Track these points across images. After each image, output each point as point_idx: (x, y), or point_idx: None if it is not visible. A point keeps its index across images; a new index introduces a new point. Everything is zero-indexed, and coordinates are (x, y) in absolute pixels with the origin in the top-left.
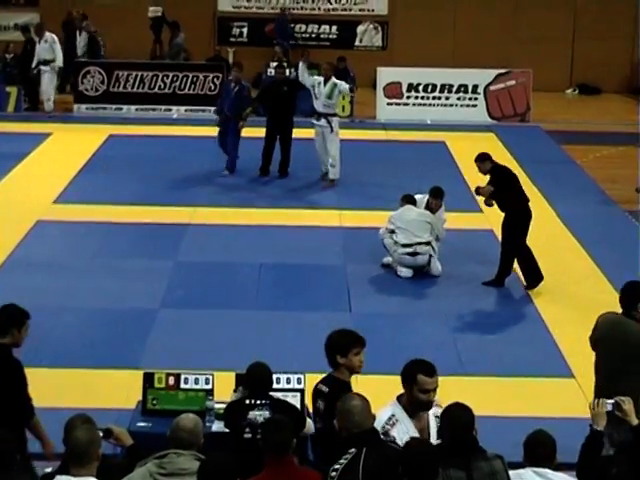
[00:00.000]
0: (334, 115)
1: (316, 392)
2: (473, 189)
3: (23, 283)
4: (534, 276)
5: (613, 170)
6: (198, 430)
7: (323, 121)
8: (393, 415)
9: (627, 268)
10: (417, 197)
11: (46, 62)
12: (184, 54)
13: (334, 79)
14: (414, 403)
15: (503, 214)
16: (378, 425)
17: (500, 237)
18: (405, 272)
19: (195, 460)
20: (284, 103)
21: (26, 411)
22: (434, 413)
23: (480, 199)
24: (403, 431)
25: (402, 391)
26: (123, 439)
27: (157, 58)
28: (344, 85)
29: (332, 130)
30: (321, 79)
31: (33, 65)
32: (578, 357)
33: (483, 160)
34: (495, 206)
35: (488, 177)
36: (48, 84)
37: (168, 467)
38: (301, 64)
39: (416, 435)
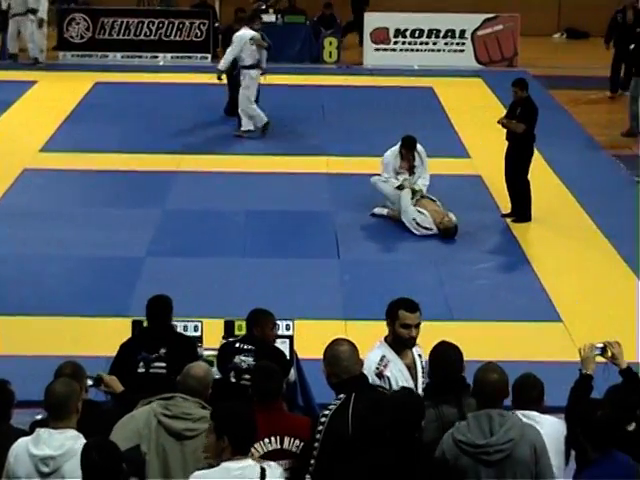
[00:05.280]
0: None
1: None
2: (498, 122)
3: (10, 232)
4: (524, 212)
5: (600, 115)
6: (208, 380)
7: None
8: (384, 356)
9: (614, 213)
10: (388, 153)
11: (33, 11)
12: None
13: (242, 31)
14: (397, 340)
15: (507, 145)
16: (370, 367)
17: (505, 170)
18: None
19: (200, 408)
20: None
21: None
22: (417, 352)
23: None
24: (396, 369)
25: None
26: (113, 386)
27: (144, 5)
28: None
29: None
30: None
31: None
32: (566, 302)
33: (523, 88)
34: (481, 149)
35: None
36: (32, 34)
37: (173, 409)
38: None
39: (407, 373)
